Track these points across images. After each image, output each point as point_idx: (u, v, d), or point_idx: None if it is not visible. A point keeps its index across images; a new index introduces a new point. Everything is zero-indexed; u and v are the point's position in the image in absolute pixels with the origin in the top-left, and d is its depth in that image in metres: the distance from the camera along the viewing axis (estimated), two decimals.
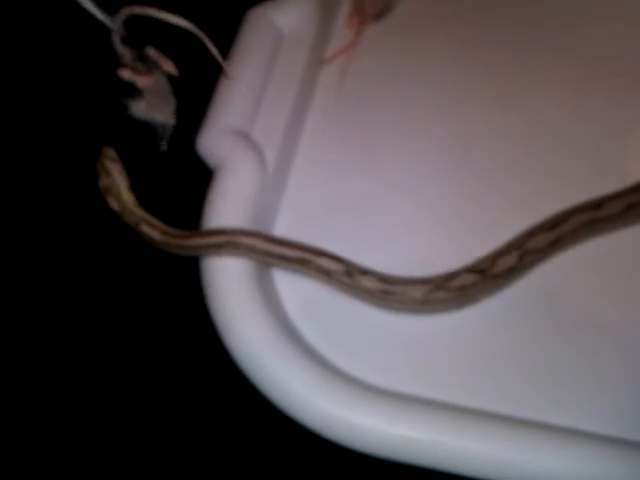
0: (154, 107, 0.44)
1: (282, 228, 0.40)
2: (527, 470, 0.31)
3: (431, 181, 0.42)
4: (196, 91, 0.45)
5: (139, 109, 0.44)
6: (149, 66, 0.44)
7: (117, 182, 0.39)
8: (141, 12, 0.41)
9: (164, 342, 0.39)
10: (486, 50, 0.47)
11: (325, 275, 0.35)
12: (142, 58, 0.44)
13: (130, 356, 0.38)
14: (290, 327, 0.36)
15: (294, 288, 0.38)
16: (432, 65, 0.47)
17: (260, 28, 0.45)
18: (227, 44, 0.45)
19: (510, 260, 0.34)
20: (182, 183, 0.43)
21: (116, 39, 0.43)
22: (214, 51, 0.42)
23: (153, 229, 0.37)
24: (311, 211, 0.41)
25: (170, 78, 0.46)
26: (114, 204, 0.38)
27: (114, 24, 0.42)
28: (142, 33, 0.43)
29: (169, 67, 0.45)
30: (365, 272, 0.35)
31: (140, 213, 0.38)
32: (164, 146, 0.45)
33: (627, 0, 0.49)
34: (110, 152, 0.40)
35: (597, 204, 0.36)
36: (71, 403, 0.37)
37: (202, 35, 0.41)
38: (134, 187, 0.39)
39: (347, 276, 0.35)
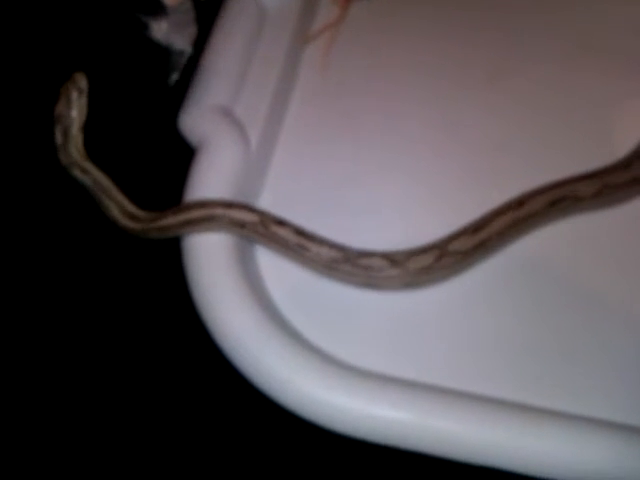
0: (175, 30, 0.42)
1: (265, 206, 0.40)
2: (512, 453, 0.31)
3: (416, 160, 0.43)
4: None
5: (159, 30, 0.41)
6: None
7: (72, 115, 0.38)
8: None
9: (149, 329, 0.39)
10: (474, 31, 0.49)
11: (239, 227, 0.36)
12: None
13: (115, 343, 0.39)
14: (273, 309, 0.37)
15: (278, 270, 0.39)
16: (419, 44, 0.48)
17: (243, 5, 0.46)
18: (210, 22, 0.45)
19: (426, 260, 0.35)
20: (163, 160, 0.43)
21: None
22: None
23: (83, 174, 0.38)
24: (295, 189, 0.42)
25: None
26: (58, 136, 0.38)
27: None
28: None
29: None
30: (281, 223, 0.36)
31: (76, 157, 0.38)
32: (175, 76, 0.42)
33: None
34: (81, 80, 0.39)
35: (519, 202, 0.37)
36: (56, 387, 0.38)
37: None
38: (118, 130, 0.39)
39: (262, 226, 0.36)
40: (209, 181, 0.39)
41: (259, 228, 0.36)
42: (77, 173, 0.38)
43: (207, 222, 0.37)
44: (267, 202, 0.41)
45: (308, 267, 0.38)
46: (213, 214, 0.36)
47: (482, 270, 0.38)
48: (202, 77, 0.43)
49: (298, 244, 0.36)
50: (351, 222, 0.40)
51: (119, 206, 0.38)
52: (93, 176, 0.38)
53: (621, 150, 0.41)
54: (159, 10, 0.41)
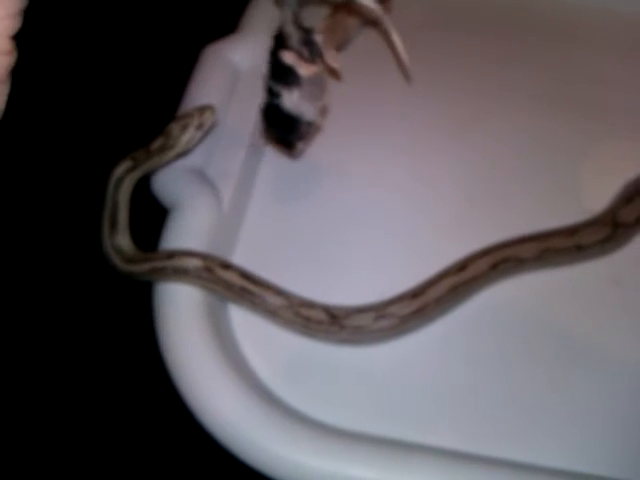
0: (306, 101, 0.40)
1: (239, 263, 0.39)
2: None
3: (388, 213, 0.44)
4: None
5: (291, 100, 0.40)
6: (314, 54, 0.40)
7: (180, 139, 0.40)
8: None
9: (113, 374, 0.39)
10: (443, 83, 0.50)
11: (184, 275, 0.37)
12: (309, 43, 0.40)
13: (75, 384, 0.39)
14: (242, 364, 0.37)
15: (249, 325, 0.39)
16: (389, 95, 0.49)
17: (216, 65, 0.47)
18: (183, 82, 0.46)
19: (363, 319, 0.36)
20: (137, 221, 0.42)
21: (287, 16, 0.39)
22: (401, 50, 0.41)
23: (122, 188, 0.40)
24: (268, 246, 0.43)
25: None
26: (157, 142, 0.40)
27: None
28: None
29: (333, 61, 0.41)
30: (227, 266, 0.37)
31: (141, 171, 0.40)
32: (302, 146, 0.42)
33: (581, 30, 0.51)
34: (208, 116, 0.41)
35: (461, 266, 0.37)
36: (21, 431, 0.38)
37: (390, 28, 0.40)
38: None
39: (207, 271, 0.37)
40: (182, 241, 0.39)
41: (203, 273, 0.37)
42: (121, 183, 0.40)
43: (155, 274, 0.38)
44: (241, 260, 0.41)
45: (253, 312, 0.38)
46: (155, 267, 0.38)
47: (449, 321, 0.39)
48: None
49: (243, 288, 0.37)
50: (323, 276, 0.41)
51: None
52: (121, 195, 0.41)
53: (589, 201, 0.43)
54: (293, 79, 0.40)
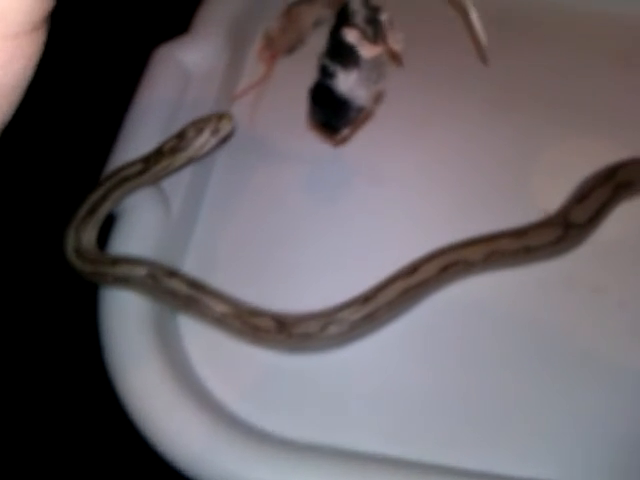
0: (362, 84, 0.37)
1: (189, 270, 0.40)
2: None
3: (340, 218, 0.43)
4: None
5: (346, 82, 0.37)
6: (377, 35, 0.37)
7: (194, 143, 0.39)
8: None
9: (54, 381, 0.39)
10: (393, 89, 0.48)
11: (125, 283, 0.36)
12: (374, 23, 0.37)
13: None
14: (190, 375, 0.37)
15: (199, 333, 0.39)
16: None
17: (167, 68, 0.46)
18: (133, 85, 0.46)
19: (312, 327, 0.35)
20: None
21: None
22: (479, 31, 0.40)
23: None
24: (220, 254, 0.42)
25: None
26: (169, 143, 0.40)
27: None
28: None
29: (397, 44, 0.38)
30: (173, 274, 0.36)
31: (151, 177, 0.40)
32: (347, 133, 0.40)
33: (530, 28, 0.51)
34: (225, 123, 0.39)
35: (412, 268, 0.37)
36: None
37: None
38: None
39: (151, 279, 0.36)
40: (128, 247, 0.39)
41: (148, 281, 0.36)
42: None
43: (97, 278, 0.37)
44: (191, 266, 0.41)
45: (200, 320, 0.38)
46: (98, 271, 0.37)
47: (400, 325, 0.39)
48: (124, 141, 0.43)
49: (189, 296, 0.36)
50: (275, 282, 0.41)
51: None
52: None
53: (545, 200, 0.42)
54: (353, 60, 0.37)
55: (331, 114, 0.39)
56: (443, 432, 0.36)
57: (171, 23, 0.51)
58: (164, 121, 0.44)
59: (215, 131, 0.40)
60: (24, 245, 0.44)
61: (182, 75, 0.47)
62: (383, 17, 0.37)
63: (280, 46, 0.49)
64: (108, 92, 0.49)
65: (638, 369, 0.38)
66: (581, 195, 0.41)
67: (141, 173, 0.40)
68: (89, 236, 0.39)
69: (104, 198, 0.39)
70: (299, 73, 0.45)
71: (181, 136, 0.40)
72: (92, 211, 0.39)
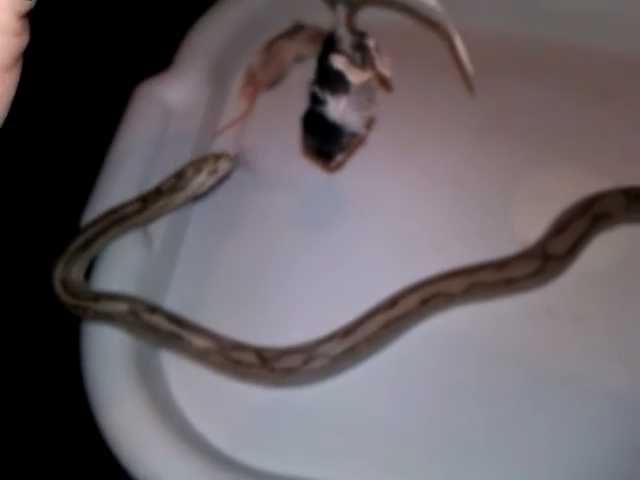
0: (353, 110, 0.38)
1: (171, 305, 0.40)
2: None
3: (325, 248, 0.43)
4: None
5: (337, 108, 0.37)
6: (365, 60, 0.37)
7: (191, 183, 0.40)
8: None
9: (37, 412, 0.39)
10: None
11: (106, 319, 0.36)
12: (361, 48, 0.37)
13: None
14: (173, 410, 0.37)
15: (181, 368, 0.39)
16: None
17: (148, 105, 0.46)
18: (115, 122, 0.46)
19: (293, 361, 0.35)
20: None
21: (340, 17, 0.36)
22: (464, 58, 0.39)
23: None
24: (202, 288, 0.42)
25: None
26: (169, 181, 0.40)
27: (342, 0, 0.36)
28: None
29: (385, 68, 0.38)
30: (154, 310, 0.36)
31: (152, 214, 0.40)
32: (341, 159, 0.40)
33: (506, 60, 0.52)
34: (224, 163, 0.40)
35: (392, 302, 0.37)
36: None
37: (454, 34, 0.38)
38: None
39: (132, 315, 0.36)
40: (110, 283, 0.39)
41: (129, 317, 0.36)
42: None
43: (79, 312, 0.37)
44: (174, 302, 0.41)
45: (182, 356, 0.38)
46: (79, 305, 0.37)
47: (382, 358, 0.39)
48: (106, 178, 0.43)
49: (170, 332, 0.36)
50: (258, 316, 0.41)
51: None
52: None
53: (524, 232, 0.42)
54: (342, 86, 0.37)
55: (325, 140, 0.39)
56: (430, 463, 0.36)
57: (152, 59, 0.51)
58: (146, 158, 0.45)
59: (213, 171, 0.40)
60: (8, 277, 0.44)
61: (163, 112, 0.47)
62: (370, 42, 0.37)
63: (262, 81, 0.50)
64: (89, 129, 0.49)
65: (618, 396, 0.38)
66: (559, 227, 0.42)
67: (139, 212, 0.40)
68: (78, 269, 0.39)
69: (100, 234, 0.39)
70: (281, 106, 0.48)
71: (179, 176, 0.41)
72: (86, 245, 0.39)
